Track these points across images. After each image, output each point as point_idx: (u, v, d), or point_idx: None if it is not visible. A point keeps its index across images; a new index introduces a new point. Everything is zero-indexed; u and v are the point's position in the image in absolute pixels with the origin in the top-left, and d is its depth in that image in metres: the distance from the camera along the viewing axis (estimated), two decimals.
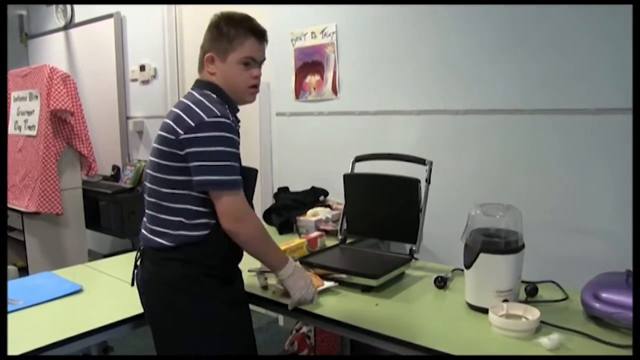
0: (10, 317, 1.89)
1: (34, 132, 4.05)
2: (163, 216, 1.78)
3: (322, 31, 3.51)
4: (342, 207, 2.63)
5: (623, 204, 2.41)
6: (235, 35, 1.82)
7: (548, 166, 2.69)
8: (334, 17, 3.46)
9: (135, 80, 4.96)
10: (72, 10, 5.53)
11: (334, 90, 3.51)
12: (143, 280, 1.85)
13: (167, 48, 4.61)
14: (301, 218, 3.03)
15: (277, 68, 3.74)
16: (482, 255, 1.82)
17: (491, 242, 1.84)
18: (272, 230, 3.08)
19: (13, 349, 1.64)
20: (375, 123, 3.35)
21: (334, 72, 3.49)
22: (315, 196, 3.41)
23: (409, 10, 3.10)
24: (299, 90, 3.69)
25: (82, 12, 5.45)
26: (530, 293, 1.95)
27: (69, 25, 5.58)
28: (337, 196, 3.20)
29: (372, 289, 2.07)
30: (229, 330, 1.82)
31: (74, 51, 5.59)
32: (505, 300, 1.80)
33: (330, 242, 2.66)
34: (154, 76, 4.78)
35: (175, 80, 4.64)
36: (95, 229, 4.78)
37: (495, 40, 2.80)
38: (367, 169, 2.56)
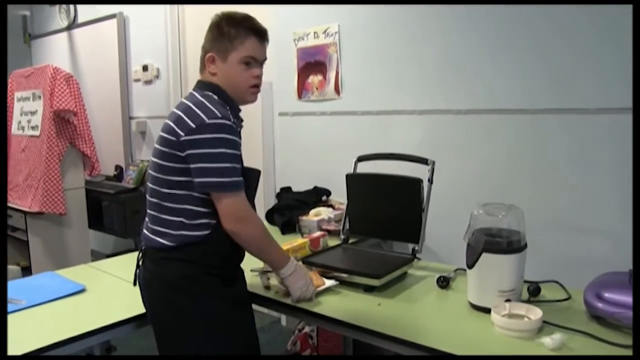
0: (13, 317, 1.89)
1: (37, 132, 4.06)
2: (164, 216, 1.78)
3: (325, 31, 3.51)
4: (344, 207, 2.64)
5: (627, 204, 2.40)
6: (235, 35, 1.82)
7: (551, 166, 2.69)
8: (336, 17, 3.46)
9: (138, 80, 4.97)
10: (75, 10, 5.54)
11: (337, 90, 3.51)
12: (144, 279, 1.86)
13: (170, 48, 4.61)
14: (304, 218, 3.03)
15: (280, 68, 3.74)
16: (484, 255, 1.82)
17: (493, 241, 1.84)
18: (274, 230, 3.08)
19: (16, 349, 1.64)
20: (377, 123, 3.35)
21: (337, 72, 3.49)
22: (317, 196, 3.41)
23: (412, 10, 3.10)
24: (302, 90, 3.69)
25: (85, 12, 5.46)
26: (533, 293, 1.95)
27: (72, 25, 5.59)
28: (339, 196, 3.21)
29: (374, 288, 2.07)
30: (231, 330, 1.82)
31: (77, 51, 5.60)
32: (508, 300, 1.80)
33: (332, 242, 2.66)
34: (157, 76, 4.78)
35: (177, 80, 4.64)
36: (98, 229, 4.79)
37: (498, 40, 2.79)
38: (370, 168, 2.56)
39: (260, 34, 1.86)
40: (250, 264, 2.00)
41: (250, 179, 1.87)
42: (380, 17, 3.25)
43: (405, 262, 2.25)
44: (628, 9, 2.34)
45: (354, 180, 2.56)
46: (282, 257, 1.90)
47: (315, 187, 3.50)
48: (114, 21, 5.02)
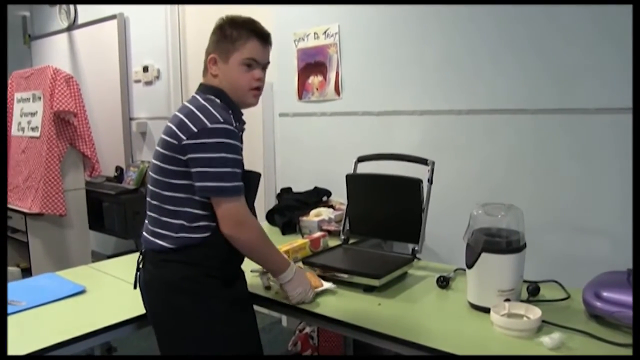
0: (13, 319, 1.89)
1: (37, 134, 4.06)
2: (164, 218, 1.78)
3: (325, 32, 3.52)
4: (344, 207, 2.64)
5: (627, 204, 2.40)
6: (237, 37, 1.82)
7: (552, 166, 2.69)
8: (336, 17, 3.47)
9: (138, 81, 4.97)
10: (76, 11, 5.55)
11: (337, 91, 3.51)
12: (145, 282, 1.86)
13: (171, 49, 4.62)
14: (304, 218, 3.03)
15: (280, 69, 3.74)
16: (483, 255, 1.82)
17: (493, 241, 1.84)
18: (275, 231, 3.09)
19: (16, 350, 1.64)
20: (378, 123, 3.35)
21: (337, 73, 3.50)
22: (318, 196, 3.41)
23: (412, 10, 3.11)
24: (302, 90, 3.70)
25: (85, 13, 5.46)
26: (532, 292, 1.95)
27: (72, 26, 5.59)
28: (340, 196, 3.21)
29: (374, 288, 2.07)
30: (232, 331, 1.82)
31: (77, 52, 5.60)
32: (507, 300, 1.80)
33: (333, 242, 2.67)
34: (157, 77, 4.79)
35: (178, 81, 4.65)
36: (98, 230, 4.79)
37: (499, 40, 2.79)
38: (370, 169, 2.56)
39: (262, 36, 1.87)
40: (250, 265, 2.00)
41: (250, 182, 1.88)
42: (380, 17, 3.25)
43: (405, 262, 2.25)
44: (628, 8, 2.34)
45: (354, 181, 2.56)
46: (281, 263, 1.90)
47: (315, 188, 3.50)
48: (114, 22, 5.03)
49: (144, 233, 1.87)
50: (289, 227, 3.06)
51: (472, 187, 2.96)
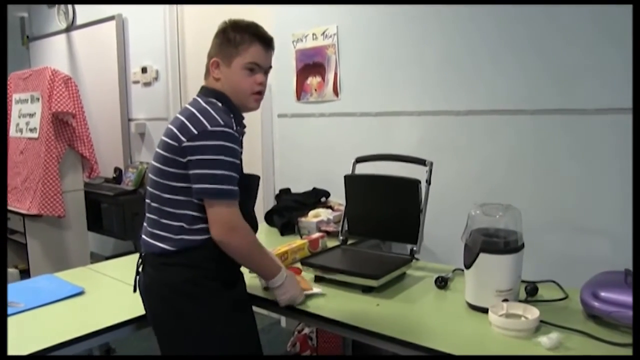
0: (11, 320, 1.89)
1: (35, 135, 4.06)
2: (164, 220, 1.78)
3: (323, 33, 3.52)
4: (343, 208, 2.64)
5: (626, 204, 2.41)
6: (240, 41, 1.83)
7: (551, 166, 2.70)
8: (334, 18, 3.47)
9: (137, 82, 4.97)
10: (74, 12, 5.55)
11: (335, 92, 3.52)
12: (145, 285, 1.86)
13: (169, 50, 4.62)
14: (303, 219, 3.03)
15: (279, 69, 3.72)
16: (481, 255, 1.83)
17: (491, 242, 1.84)
18: (273, 232, 3.09)
19: (14, 352, 1.65)
20: (376, 124, 3.35)
21: (335, 74, 3.50)
22: (316, 197, 3.41)
23: (411, 10, 3.11)
24: (300, 91, 3.70)
25: (83, 14, 5.46)
26: (530, 292, 1.96)
27: (71, 27, 5.59)
28: (338, 197, 3.21)
29: (373, 289, 2.07)
30: (232, 332, 1.83)
31: (75, 53, 5.60)
32: (505, 300, 1.80)
33: (331, 243, 2.67)
34: (156, 78, 4.79)
35: (177, 82, 4.65)
36: (97, 231, 4.79)
37: (499, 40, 2.80)
38: (369, 170, 2.57)
39: (265, 41, 1.87)
40: None
41: (250, 185, 1.88)
42: (379, 18, 3.25)
43: (403, 262, 2.25)
44: (628, 8, 2.34)
45: (352, 182, 2.56)
46: (271, 270, 1.89)
47: (314, 189, 3.50)
48: (112, 23, 5.03)
49: (143, 236, 1.87)
50: (288, 228, 3.06)
51: (471, 187, 2.96)
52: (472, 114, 2.93)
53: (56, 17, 5.73)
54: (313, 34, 3.58)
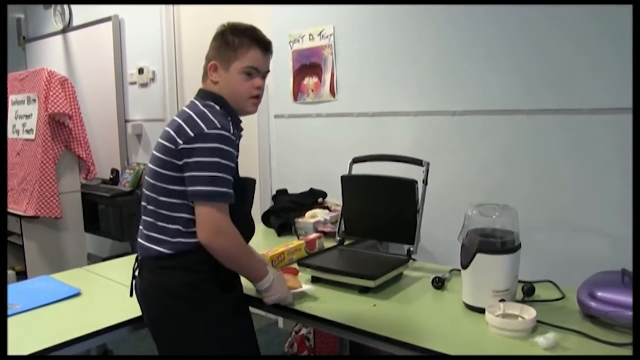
0: (8, 322, 1.89)
1: (32, 136, 4.06)
2: (160, 223, 1.78)
3: (320, 33, 3.52)
4: (340, 208, 2.64)
5: (623, 204, 2.41)
6: (239, 45, 1.82)
7: (548, 166, 2.70)
8: (331, 18, 3.47)
9: (133, 83, 4.97)
10: (70, 13, 5.54)
11: (332, 92, 3.52)
12: (142, 289, 1.85)
13: (166, 51, 4.61)
14: (300, 220, 3.03)
15: (275, 70, 3.73)
16: (478, 256, 1.83)
17: (487, 242, 1.84)
18: (270, 232, 3.09)
19: (11, 354, 1.64)
20: (373, 124, 3.35)
21: (332, 74, 3.50)
22: (313, 198, 3.41)
23: (407, 10, 3.11)
24: (297, 92, 3.70)
25: (80, 15, 5.45)
26: (527, 293, 1.96)
27: (67, 28, 5.58)
28: (335, 198, 3.20)
29: (369, 289, 2.07)
30: (230, 334, 1.82)
31: (72, 54, 5.59)
32: (502, 300, 1.80)
33: (328, 243, 2.66)
34: (153, 79, 4.78)
35: (173, 83, 4.64)
36: (94, 233, 4.79)
37: (495, 40, 2.80)
38: (366, 170, 2.57)
39: (264, 45, 1.87)
40: None
41: (246, 188, 1.88)
42: (375, 18, 3.25)
43: (400, 263, 2.25)
44: (626, 8, 2.35)
45: (349, 182, 2.56)
46: (258, 273, 1.88)
47: (311, 189, 3.50)
48: (109, 24, 5.02)
49: (139, 239, 1.86)
50: (285, 228, 3.06)
51: (467, 187, 2.97)
52: (468, 114, 2.94)
53: (52, 18, 5.72)
54: (310, 35, 3.58)
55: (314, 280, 2.22)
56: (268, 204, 3.64)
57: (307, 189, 3.51)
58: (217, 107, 1.82)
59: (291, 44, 3.68)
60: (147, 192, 1.83)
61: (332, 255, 2.44)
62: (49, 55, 5.87)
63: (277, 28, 3.71)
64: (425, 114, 3.11)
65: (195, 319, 1.77)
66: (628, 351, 1.53)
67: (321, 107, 3.60)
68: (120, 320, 1.92)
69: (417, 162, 2.40)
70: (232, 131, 1.76)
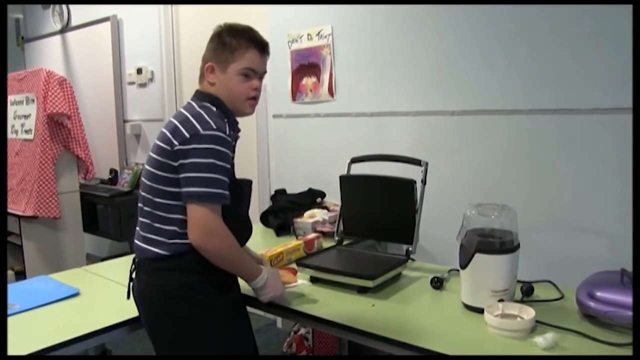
0: (7, 321, 1.89)
1: (30, 136, 4.05)
2: (157, 225, 1.78)
3: (318, 33, 3.52)
4: (339, 208, 2.64)
5: (621, 203, 2.42)
6: (237, 46, 1.82)
7: (547, 166, 2.70)
8: (329, 18, 3.47)
9: (132, 83, 4.96)
10: (69, 13, 5.54)
11: (331, 92, 3.52)
12: (139, 291, 1.85)
13: (164, 51, 4.61)
14: (298, 220, 3.03)
15: (274, 70, 3.73)
16: (477, 256, 1.82)
17: (486, 242, 1.84)
18: (269, 232, 3.09)
19: (10, 353, 1.64)
20: (372, 124, 3.35)
21: (331, 74, 3.50)
22: (312, 198, 3.41)
23: (405, 10, 3.11)
24: (296, 92, 3.70)
25: (78, 15, 5.45)
26: (526, 293, 1.96)
27: (66, 28, 5.58)
28: (334, 198, 3.20)
29: (368, 290, 2.07)
30: (228, 335, 1.83)
31: (70, 54, 5.59)
32: (501, 300, 1.80)
33: (327, 243, 2.66)
34: (151, 79, 4.78)
35: (172, 83, 4.64)
36: (93, 233, 4.78)
37: (493, 40, 2.80)
38: (364, 170, 2.56)
39: (261, 46, 1.87)
40: None
41: (243, 190, 1.88)
42: (374, 18, 3.25)
43: (399, 263, 2.25)
44: (623, 8, 2.35)
45: (347, 182, 2.56)
46: (251, 273, 1.87)
47: (309, 189, 3.50)
48: (107, 24, 5.02)
49: (136, 241, 1.86)
50: (283, 228, 3.06)
51: (466, 187, 2.97)
52: (467, 114, 2.94)
53: (51, 19, 5.72)
54: (308, 35, 3.58)
55: (313, 280, 2.22)
56: (267, 204, 3.64)
57: (305, 189, 3.51)
58: (214, 109, 1.81)
59: (289, 43, 3.68)
60: (143, 193, 1.83)
61: (330, 255, 2.44)
62: (48, 55, 5.87)
63: (276, 28, 3.71)
64: (424, 114, 3.11)
65: (193, 319, 1.76)
66: (627, 351, 1.53)
67: (320, 107, 3.60)
68: (118, 320, 1.92)
69: (416, 162, 2.40)
70: (228, 132, 1.76)
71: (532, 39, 2.68)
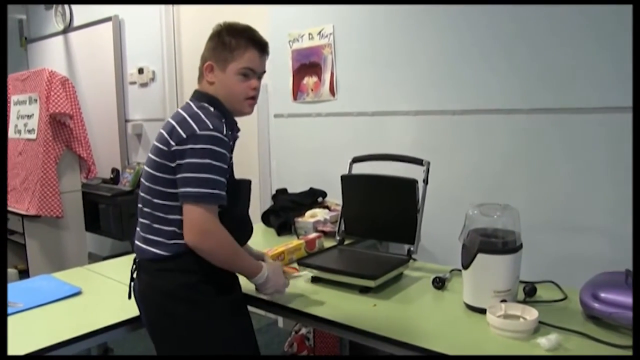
0: (10, 320, 1.88)
1: (33, 136, 4.06)
2: (156, 225, 1.77)
3: (320, 32, 3.52)
4: (340, 208, 2.63)
5: (622, 203, 2.41)
6: (236, 46, 1.81)
7: (547, 165, 2.69)
8: (331, 18, 3.46)
9: (133, 83, 4.96)
10: (71, 14, 5.54)
11: (332, 92, 3.51)
12: (140, 292, 1.85)
13: (166, 51, 4.61)
14: (299, 219, 3.03)
15: (275, 69, 3.73)
16: (479, 256, 1.82)
17: (489, 242, 1.84)
18: (270, 232, 3.09)
19: (12, 352, 1.64)
20: (373, 124, 3.35)
21: (332, 74, 3.49)
22: (313, 197, 3.41)
23: (406, 10, 3.10)
24: (297, 91, 3.69)
25: (81, 15, 5.45)
26: (529, 293, 1.95)
27: (68, 29, 5.58)
28: (335, 197, 3.20)
29: (370, 289, 2.07)
30: (229, 335, 1.82)
31: (73, 55, 5.59)
32: (504, 301, 1.80)
33: (328, 243, 2.66)
34: (153, 79, 4.78)
35: (173, 83, 4.65)
36: (95, 232, 4.79)
37: (493, 40, 2.79)
38: (366, 169, 2.56)
39: (260, 46, 1.86)
40: None
41: (241, 190, 1.87)
42: (375, 18, 3.25)
43: (400, 263, 2.24)
44: (622, 8, 2.35)
45: (349, 182, 2.55)
46: (251, 271, 1.86)
47: (311, 189, 3.50)
48: (109, 24, 5.02)
49: (136, 241, 1.86)
50: (285, 228, 3.06)
51: (467, 187, 2.96)
52: (467, 113, 2.93)
53: (53, 19, 5.72)
54: (309, 34, 3.57)
55: (314, 280, 2.21)
56: (268, 203, 3.64)
57: (306, 188, 3.51)
58: (211, 109, 1.81)
59: (290, 43, 3.68)
60: (142, 194, 1.83)
61: (332, 255, 2.43)
62: (50, 55, 5.88)
63: (276, 28, 3.71)
64: (425, 113, 3.10)
65: (194, 320, 1.76)
66: (631, 353, 1.52)
67: (321, 107, 3.60)
68: (120, 319, 1.91)
69: (418, 161, 2.39)
70: (225, 132, 1.75)
71: (531, 38, 2.67)
